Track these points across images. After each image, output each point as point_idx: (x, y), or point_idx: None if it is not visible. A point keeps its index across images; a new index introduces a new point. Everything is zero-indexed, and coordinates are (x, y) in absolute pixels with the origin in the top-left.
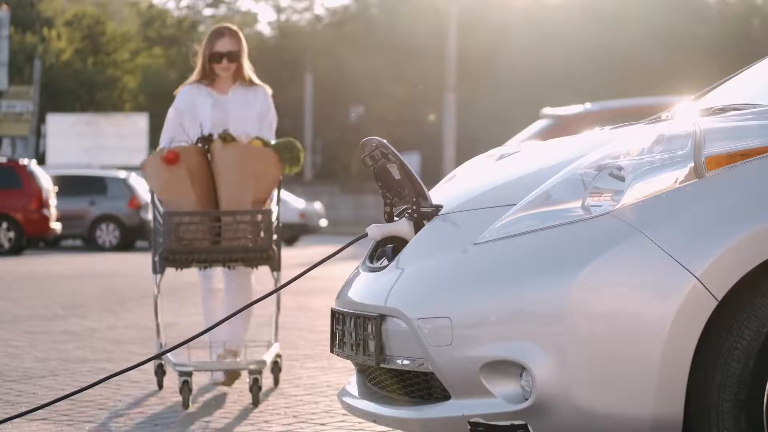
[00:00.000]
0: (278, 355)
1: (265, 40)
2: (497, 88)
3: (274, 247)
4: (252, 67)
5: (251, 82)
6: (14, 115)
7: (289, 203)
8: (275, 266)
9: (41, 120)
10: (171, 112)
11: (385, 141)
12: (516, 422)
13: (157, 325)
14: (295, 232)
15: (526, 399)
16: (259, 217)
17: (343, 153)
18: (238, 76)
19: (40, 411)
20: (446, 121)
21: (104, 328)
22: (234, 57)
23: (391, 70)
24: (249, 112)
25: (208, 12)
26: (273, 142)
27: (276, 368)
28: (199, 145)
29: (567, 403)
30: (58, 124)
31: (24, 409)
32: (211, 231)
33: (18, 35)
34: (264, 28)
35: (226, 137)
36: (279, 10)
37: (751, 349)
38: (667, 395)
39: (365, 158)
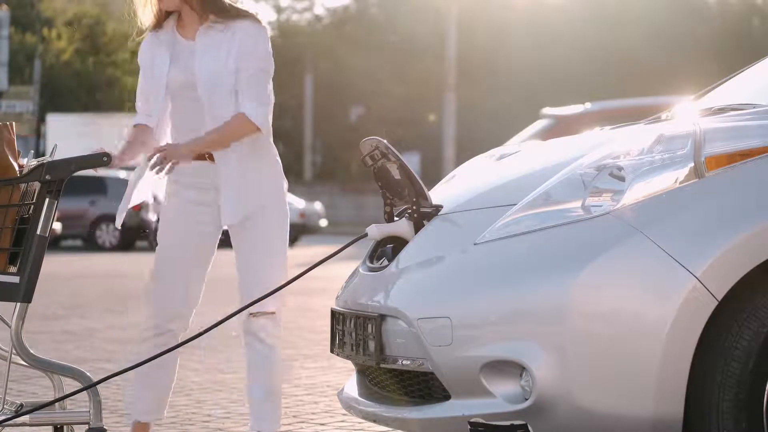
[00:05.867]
0: None
1: None
2: (497, 88)
3: None
4: None
5: (231, 14)
6: (14, 115)
7: (288, 203)
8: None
9: (41, 120)
10: (139, 78)
11: (385, 141)
12: (516, 422)
13: None
14: (295, 232)
15: (526, 399)
16: None
17: (343, 153)
18: (205, 6)
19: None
20: (446, 121)
21: (104, 328)
22: None
23: (391, 70)
24: (222, 65)
25: None
26: (247, 105)
27: None
28: None
29: (567, 403)
30: (58, 124)
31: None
32: None
33: (18, 35)
34: None
35: None
36: (279, 10)
37: (751, 349)
38: (667, 395)
39: (365, 158)
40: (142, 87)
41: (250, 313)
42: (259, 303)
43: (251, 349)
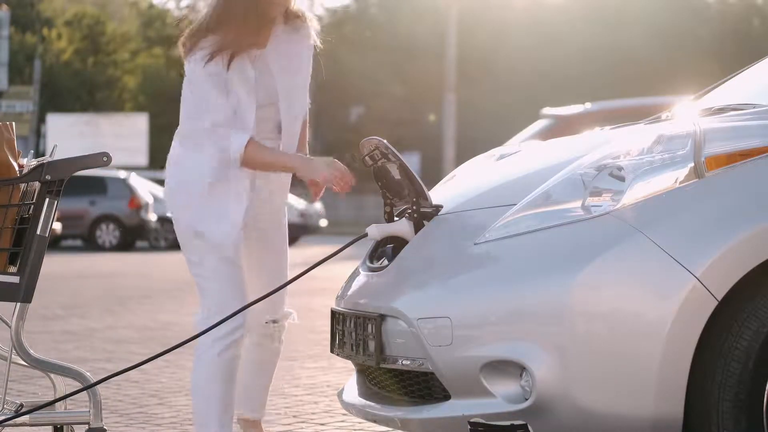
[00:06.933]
0: None
1: None
2: (497, 88)
3: None
4: None
5: (295, 17)
6: (14, 115)
7: (289, 203)
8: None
9: (41, 120)
10: (214, 91)
11: (385, 141)
12: (516, 422)
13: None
14: (295, 232)
15: (526, 399)
16: None
17: (343, 153)
18: (288, 12)
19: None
20: (446, 121)
21: (104, 328)
22: None
23: (391, 70)
24: (297, 75)
25: None
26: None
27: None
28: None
29: (567, 403)
30: (58, 124)
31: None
32: None
33: (18, 35)
34: None
35: None
36: None
37: (751, 349)
38: (667, 395)
39: (365, 158)
40: (222, 100)
41: (274, 321)
42: (278, 307)
43: (264, 348)
